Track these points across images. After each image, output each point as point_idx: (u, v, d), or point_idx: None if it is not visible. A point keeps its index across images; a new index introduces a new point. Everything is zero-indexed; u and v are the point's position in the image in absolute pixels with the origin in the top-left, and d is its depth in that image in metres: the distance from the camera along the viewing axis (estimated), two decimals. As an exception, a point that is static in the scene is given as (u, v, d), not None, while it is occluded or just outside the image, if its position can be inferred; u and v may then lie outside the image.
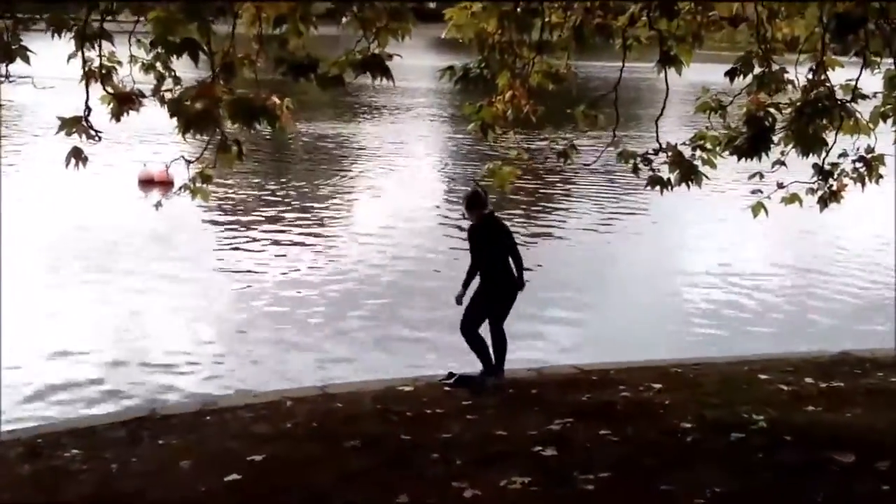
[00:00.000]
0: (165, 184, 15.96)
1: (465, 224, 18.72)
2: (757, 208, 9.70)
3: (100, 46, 7.91)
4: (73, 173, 7.97)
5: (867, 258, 17.71)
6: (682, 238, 19.15)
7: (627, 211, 21.31)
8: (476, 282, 10.05)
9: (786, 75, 9.15)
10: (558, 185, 23.69)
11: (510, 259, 9.96)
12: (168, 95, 7.83)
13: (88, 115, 7.92)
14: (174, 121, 7.35)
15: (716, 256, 17.38)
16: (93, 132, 7.98)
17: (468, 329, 9.95)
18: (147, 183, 20.10)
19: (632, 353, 11.33)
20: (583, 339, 12.83)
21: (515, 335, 10.52)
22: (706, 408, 8.66)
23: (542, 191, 22.63)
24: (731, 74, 9.50)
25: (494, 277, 9.96)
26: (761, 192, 9.54)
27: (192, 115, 7.26)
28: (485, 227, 10.04)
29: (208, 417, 8.79)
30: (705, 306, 14.56)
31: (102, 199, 19.55)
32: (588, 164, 12.75)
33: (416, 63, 47.57)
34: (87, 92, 7.97)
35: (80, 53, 7.80)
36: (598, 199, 22.38)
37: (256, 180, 23.19)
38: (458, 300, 10.01)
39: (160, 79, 8.21)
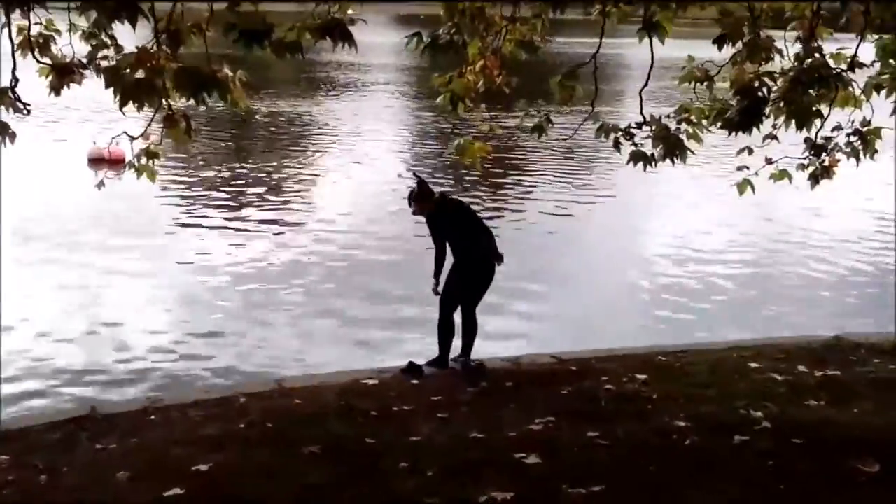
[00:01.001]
0: (117, 162, 15.08)
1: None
2: (743, 185, 9.28)
3: (29, 11, 7.17)
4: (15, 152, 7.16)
5: (849, 236, 17.11)
6: (651, 219, 18.40)
7: (592, 191, 20.50)
8: (448, 267, 9.33)
9: (775, 44, 8.59)
10: (522, 162, 22.97)
11: (478, 236, 9.41)
12: (105, 64, 7.02)
13: (15, 86, 7.19)
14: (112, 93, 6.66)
15: (686, 238, 16.70)
16: (21, 105, 7.25)
17: (443, 314, 9.40)
18: (97, 161, 19.13)
19: (607, 341, 10.69)
20: (553, 327, 12.06)
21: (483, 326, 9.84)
22: (699, 403, 7.97)
23: (507, 170, 21.84)
24: (719, 41, 8.83)
25: (468, 259, 9.35)
26: (748, 168, 9.04)
27: (129, 84, 6.47)
28: (441, 212, 9.43)
29: (153, 417, 7.98)
30: (673, 288, 13.88)
31: (49, 180, 18.64)
32: (565, 139, 11.95)
33: (379, 40, 46.86)
34: (14, 61, 7.22)
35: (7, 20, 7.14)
36: (564, 178, 21.59)
37: (214, 161, 22.29)
38: (435, 291, 9.42)
39: (97, 46, 7.41)
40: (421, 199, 9.48)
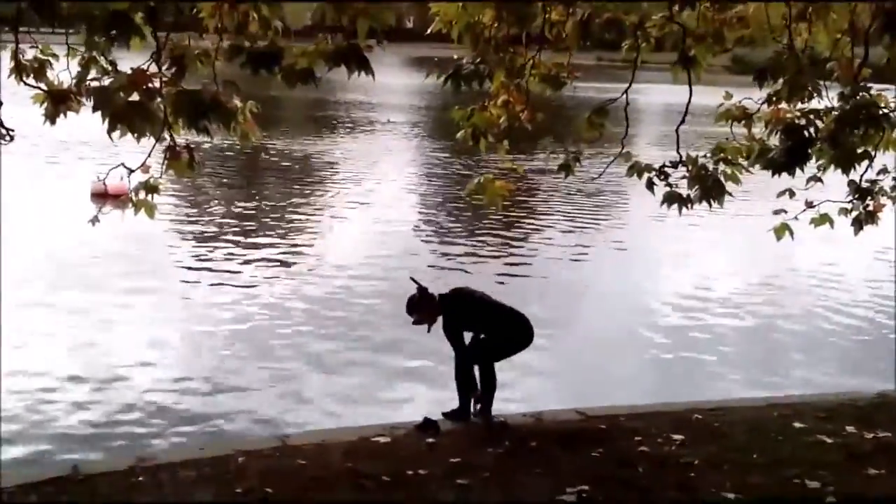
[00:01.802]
0: (121, 197, 14.33)
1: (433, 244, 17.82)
2: (781, 230, 8.68)
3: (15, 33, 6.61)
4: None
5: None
6: (665, 265, 17.63)
7: (604, 237, 19.76)
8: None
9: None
10: (539, 205, 22.29)
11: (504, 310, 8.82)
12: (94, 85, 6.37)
13: (-2, 110, 6.54)
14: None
15: (707, 285, 15.95)
16: (4, 131, 6.63)
17: (463, 367, 8.69)
18: (101, 196, 18.46)
19: (630, 397, 10.01)
20: (565, 380, 11.33)
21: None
22: (746, 470, 7.21)
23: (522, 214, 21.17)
24: (760, 76, 8.20)
25: (509, 327, 8.79)
26: (785, 212, 8.43)
27: (120, 107, 5.79)
28: (452, 308, 8.71)
29: (141, 478, 7.22)
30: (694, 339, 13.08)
31: (51, 217, 17.96)
32: (594, 178, 11.20)
33: (392, 81, 46.49)
34: (-1, 84, 6.62)
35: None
36: (583, 222, 20.90)
37: (222, 199, 21.64)
38: (468, 415, 8.76)
39: (87, 66, 6.79)
40: (422, 308, 8.75)
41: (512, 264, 16.67)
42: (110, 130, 5.74)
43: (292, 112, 42.23)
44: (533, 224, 20.27)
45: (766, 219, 8.45)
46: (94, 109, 5.82)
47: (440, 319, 8.71)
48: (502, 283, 14.78)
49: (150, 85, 6.01)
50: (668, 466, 7.36)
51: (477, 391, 8.70)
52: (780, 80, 7.99)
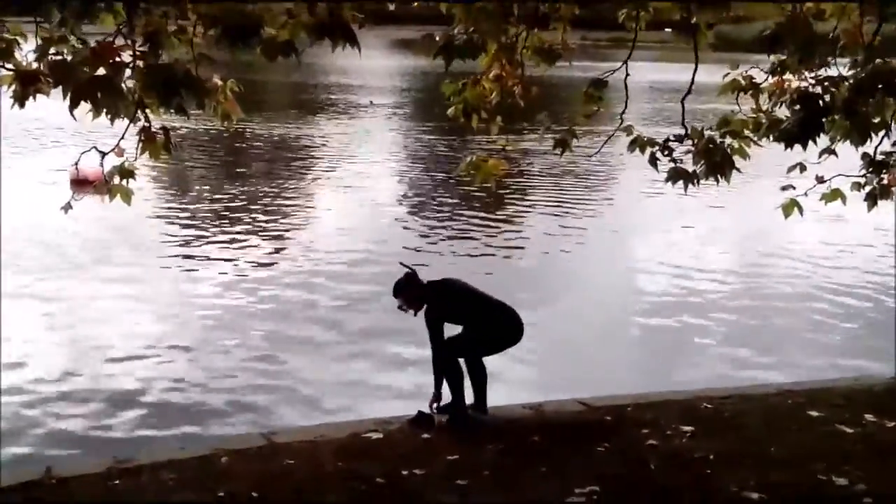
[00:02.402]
0: (94, 183, 13.77)
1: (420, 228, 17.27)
2: (790, 207, 8.23)
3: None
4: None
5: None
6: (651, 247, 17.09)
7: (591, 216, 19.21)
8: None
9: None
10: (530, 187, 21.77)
11: (493, 303, 8.26)
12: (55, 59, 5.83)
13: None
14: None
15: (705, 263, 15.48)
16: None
17: (445, 358, 8.10)
18: (80, 184, 17.90)
19: (632, 384, 9.58)
20: (560, 366, 10.71)
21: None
22: (767, 465, 6.74)
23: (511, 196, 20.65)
24: (770, 42, 7.71)
25: (495, 322, 8.23)
26: (793, 187, 8.00)
27: (84, 83, 5.26)
28: (440, 301, 8.16)
29: (118, 482, 6.72)
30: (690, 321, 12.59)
31: (28, 205, 17.36)
32: (589, 156, 10.62)
33: (375, 63, 45.91)
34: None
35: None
36: (574, 202, 20.36)
37: (207, 184, 21.09)
38: (432, 406, 8.14)
39: (48, 41, 6.24)
40: (409, 292, 8.22)
41: (503, 247, 16.14)
42: (72, 107, 5.20)
43: (273, 96, 41.58)
44: (521, 205, 19.73)
45: (767, 195, 7.93)
46: (55, 85, 5.30)
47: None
48: (490, 272, 14.22)
49: (117, 59, 5.48)
50: (681, 462, 6.89)
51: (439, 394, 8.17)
52: (786, 50, 7.60)
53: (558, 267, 15.09)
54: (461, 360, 8.14)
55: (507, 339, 8.26)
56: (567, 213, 18.89)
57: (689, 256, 15.69)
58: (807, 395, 8.82)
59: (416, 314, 8.22)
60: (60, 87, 5.37)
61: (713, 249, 16.43)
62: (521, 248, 16.09)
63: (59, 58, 5.57)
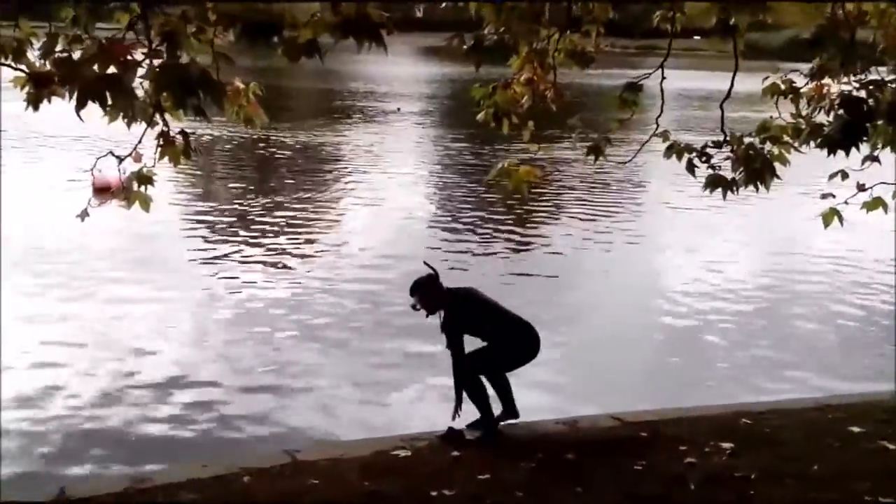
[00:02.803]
0: (111, 190, 13.51)
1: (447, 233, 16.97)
2: (830, 216, 7.89)
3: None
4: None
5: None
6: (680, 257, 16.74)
7: (621, 227, 18.72)
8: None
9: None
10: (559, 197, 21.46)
11: (509, 316, 8.07)
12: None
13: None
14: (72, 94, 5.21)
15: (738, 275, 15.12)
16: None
17: (467, 377, 7.93)
18: (103, 191, 17.68)
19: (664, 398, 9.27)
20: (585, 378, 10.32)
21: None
22: (811, 485, 6.42)
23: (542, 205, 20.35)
24: (811, 45, 7.46)
25: (512, 336, 8.03)
26: (833, 196, 7.61)
27: (91, 81, 5.00)
28: (459, 310, 7.95)
29: (135, 502, 6.49)
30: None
31: (53, 214, 17.16)
32: (624, 163, 10.28)
33: (401, 70, 45.71)
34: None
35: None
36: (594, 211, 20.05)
37: (233, 193, 20.90)
38: (454, 417, 7.92)
39: (53, 37, 6.00)
40: (426, 294, 8.03)
41: (526, 251, 15.85)
42: (78, 107, 4.93)
43: (299, 102, 41.47)
44: (548, 214, 19.43)
45: (797, 203, 7.60)
46: (61, 83, 5.06)
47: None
48: (510, 283, 13.94)
49: (128, 57, 5.23)
50: (722, 482, 6.57)
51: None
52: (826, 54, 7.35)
53: (587, 278, 14.79)
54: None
55: (525, 356, 8.05)
56: (596, 221, 18.60)
57: (721, 267, 15.33)
58: (847, 409, 8.50)
59: (427, 316, 8.03)
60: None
61: (743, 259, 16.06)
62: (547, 252, 15.79)
63: (65, 55, 5.29)
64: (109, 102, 4.94)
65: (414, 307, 8.09)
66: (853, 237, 15.19)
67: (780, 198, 17.75)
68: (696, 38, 59.43)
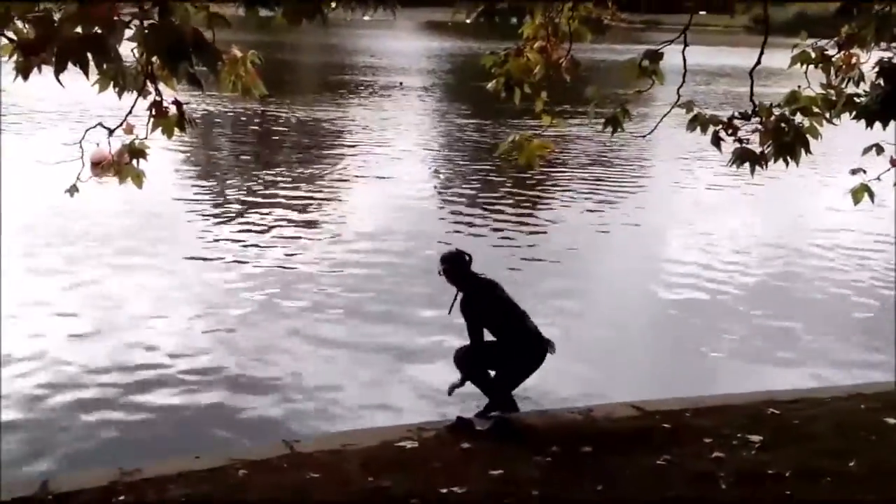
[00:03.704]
0: (102, 164, 12.96)
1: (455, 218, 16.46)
2: (860, 193, 7.39)
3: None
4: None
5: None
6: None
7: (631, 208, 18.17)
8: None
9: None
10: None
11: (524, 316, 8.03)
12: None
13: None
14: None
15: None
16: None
17: (471, 364, 7.96)
18: (101, 165, 17.14)
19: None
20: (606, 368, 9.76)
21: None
22: (851, 485, 5.94)
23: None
24: (843, 12, 7.07)
25: (521, 341, 7.93)
26: (864, 171, 7.05)
27: (72, 41, 4.50)
28: (476, 296, 7.94)
29: (123, 497, 6.01)
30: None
31: (48, 189, 16.64)
32: (644, 136, 9.75)
33: (406, 45, 45.17)
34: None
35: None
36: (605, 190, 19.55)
37: (234, 169, 20.40)
38: (451, 392, 8.07)
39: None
40: (453, 268, 8.04)
41: (535, 232, 15.36)
42: (59, 69, 4.45)
43: (301, 76, 40.94)
44: (558, 191, 18.93)
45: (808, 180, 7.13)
46: (38, 43, 4.57)
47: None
48: (517, 268, 13.47)
49: (111, 16, 4.73)
50: (754, 480, 6.09)
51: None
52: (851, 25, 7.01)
53: (594, 257, 14.33)
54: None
55: (526, 364, 7.94)
56: (606, 201, 18.11)
57: (732, 247, 14.86)
58: (880, 398, 8.04)
59: (454, 283, 8.03)
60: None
61: (754, 240, 15.55)
62: (546, 232, 15.31)
63: (43, 13, 4.81)
64: (93, 67, 4.48)
65: (440, 272, 8.08)
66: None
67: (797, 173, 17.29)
68: (701, 13, 58.90)
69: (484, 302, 7.86)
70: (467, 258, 8.08)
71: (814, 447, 6.76)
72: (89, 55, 4.42)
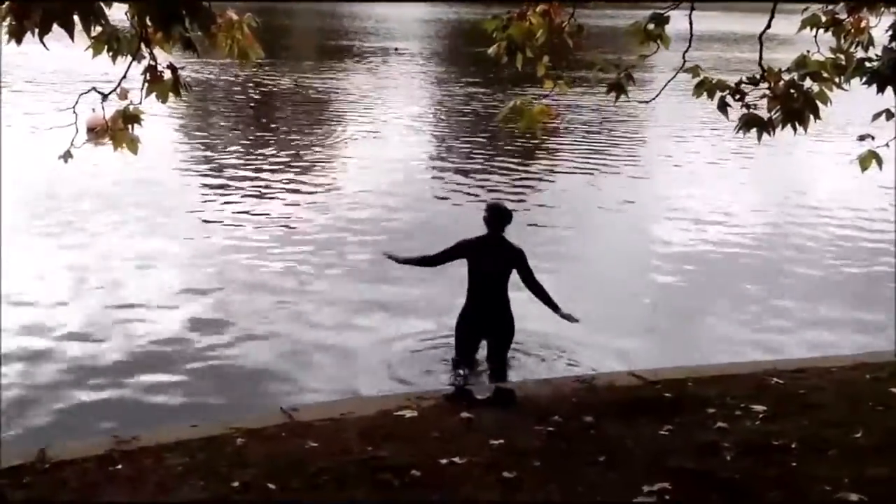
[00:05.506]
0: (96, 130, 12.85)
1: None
2: (868, 160, 7.28)
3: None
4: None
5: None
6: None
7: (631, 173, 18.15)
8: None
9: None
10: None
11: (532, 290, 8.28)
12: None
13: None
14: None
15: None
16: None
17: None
18: (98, 131, 17.01)
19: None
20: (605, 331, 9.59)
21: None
22: (858, 458, 5.81)
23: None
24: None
25: (484, 307, 8.27)
26: (872, 137, 6.90)
27: (56, 2, 4.36)
28: (492, 246, 8.23)
29: (119, 466, 5.91)
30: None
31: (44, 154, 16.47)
32: (647, 102, 9.59)
33: (404, 11, 44.91)
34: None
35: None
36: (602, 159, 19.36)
37: (232, 135, 20.26)
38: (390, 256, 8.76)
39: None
40: (495, 220, 8.25)
41: (534, 204, 15.26)
42: (42, 32, 4.32)
43: (298, 40, 40.67)
44: (552, 158, 18.73)
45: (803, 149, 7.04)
46: (26, 4, 4.44)
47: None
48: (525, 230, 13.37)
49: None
50: (758, 451, 5.97)
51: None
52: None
53: (596, 230, 14.29)
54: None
55: (465, 331, 8.39)
56: (605, 168, 17.98)
57: (735, 213, 14.79)
58: (886, 368, 7.94)
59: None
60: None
61: (758, 207, 15.50)
62: (552, 207, 15.20)
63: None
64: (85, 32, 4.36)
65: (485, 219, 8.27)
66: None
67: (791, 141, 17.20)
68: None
69: (479, 253, 8.14)
70: (507, 214, 8.25)
71: (819, 418, 6.66)
72: (75, 17, 4.29)
